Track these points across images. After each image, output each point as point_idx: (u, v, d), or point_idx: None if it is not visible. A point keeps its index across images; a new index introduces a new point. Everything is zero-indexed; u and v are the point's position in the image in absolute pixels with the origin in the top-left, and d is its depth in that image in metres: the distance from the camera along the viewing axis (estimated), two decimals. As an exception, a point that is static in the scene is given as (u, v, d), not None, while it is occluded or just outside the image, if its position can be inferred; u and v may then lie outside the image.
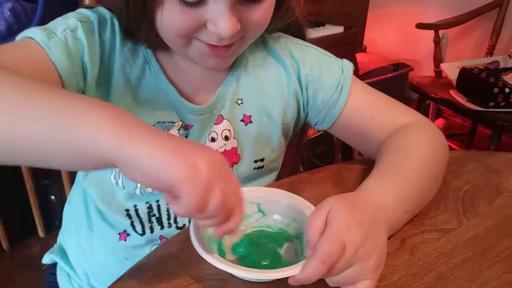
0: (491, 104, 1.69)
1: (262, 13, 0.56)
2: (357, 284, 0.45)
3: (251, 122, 0.68)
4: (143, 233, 0.66)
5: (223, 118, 0.66)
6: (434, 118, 2.41)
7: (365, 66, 2.32)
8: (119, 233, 0.66)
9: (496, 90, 1.68)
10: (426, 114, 2.35)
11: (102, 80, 0.60)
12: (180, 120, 0.64)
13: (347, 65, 0.70)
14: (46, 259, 0.80)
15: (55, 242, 0.84)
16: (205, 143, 0.66)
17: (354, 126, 0.69)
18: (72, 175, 1.15)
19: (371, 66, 2.35)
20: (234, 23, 0.52)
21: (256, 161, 0.69)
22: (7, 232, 1.11)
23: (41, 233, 1.17)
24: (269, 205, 0.56)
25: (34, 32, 0.55)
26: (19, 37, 0.56)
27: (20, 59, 0.51)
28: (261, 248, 0.53)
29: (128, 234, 0.66)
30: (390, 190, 0.54)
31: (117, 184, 0.63)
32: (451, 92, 1.88)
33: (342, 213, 0.45)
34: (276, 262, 0.51)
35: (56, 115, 0.39)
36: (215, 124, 0.66)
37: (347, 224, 0.45)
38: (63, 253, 0.77)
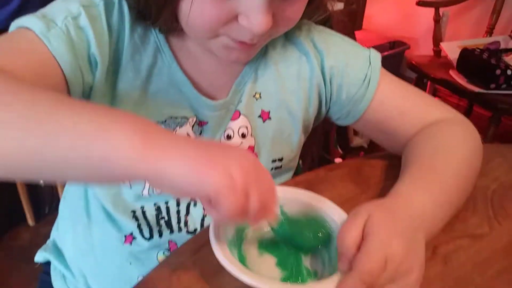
0: (493, 86, 1.65)
1: (297, 9, 0.51)
2: None
3: (269, 118, 0.62)
4: (151, 237, 0.61)
5: (240, 114, 0.60)
6: (430, 97, 2.38)
7: (361, 43, 2.26)
8: (125, 236, 0.61)
9: (498, 71, 1.64)
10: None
11: (110, 70, 0.53)
12: (194, 116, 0.58)
13: (375, 56, 0.64)
14: (39, 257, 0.74)
15: (45, 230, 0.78)
16: (220, 141, 0.60)
17: (380, 122, 0.64)
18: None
19: (367, 44, 2.28)
20: (269, 18, 0.47)
21: (274, 161, 0.64)
22: (-6, 221, 1.05)
23: (30, 222, 1.10)
24: (292, 207, 0.51)
25: (31, 22, 0.48)
26: (13, 26, 0.49)
27: (17, 54, 0.45)
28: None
29: (134, 238, 0.61)
30: (427, 196, 0.49)
31: (123, 182, 0.58)
32: (451, 72, 1.83)
33: (382, 224, 0.41)
34: (299, 272, 0.47)
35: (73, 132, 0.35)
36: (231, 120, 0.60)
37: (388, 236, 0.40)
38: (57, 251, 0.72)
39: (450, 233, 0.54)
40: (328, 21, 0.67)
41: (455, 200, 0.53)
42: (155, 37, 0.56)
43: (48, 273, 0.74)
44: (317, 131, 0.79)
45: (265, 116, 0.62)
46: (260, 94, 0.61)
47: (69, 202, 0.69)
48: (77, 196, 0.65)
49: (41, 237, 1.16)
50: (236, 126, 0.60)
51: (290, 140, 0.65)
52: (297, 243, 0.48)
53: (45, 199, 1.18)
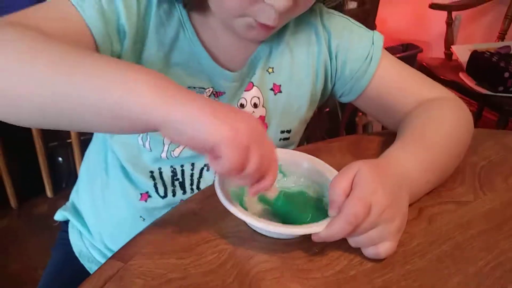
0: (501, 88, 1.69)
1: None
2: (379, 245, 0.46)
3: (280, 92, 0.67)
4: (165, 195, 0.66)
5: (253, 85, 0.66)
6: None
7: (374, 45, 2.30)
8: (141, 193, 0.67)
9: (506, 74, 1.67)
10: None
11: (136, 41, 0.58)
12: (211, 87, 0.63)
13: (378, 37, 0.69)
14: (58, 216, 0.81)
15: (63, 203, 0.84)
16: None
17: (380, 99, 0.69)
18: (82, 137, 1.15)
19: (380, 45, 2.33)
20: None
21: (282, 132, 0.69)
22: (16, 191, 1.11)
23: (49, 193, 1.17)
24: (290, 167, 0.56)
25: None
26: None
27: (53, 20, 0.50)
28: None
29: (149, 196, 0.67)
30: (415, 159, 0.54)
31: (144, 146, 0.63)
32: (461, 75, 1.87)
33: (370, 176, 0.46)
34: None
35: (95, 77, 0.39)
36: (245, 90, 0.66)
37: (374, 187, 0.45)
38: (75, 211, 0.78)
39: (436, 198, 0.58)
40: (337, 8, 0.73)
41: (441, 167, 0.58)
42: (179, 13, 0.61)
43: (65, 231, 0.80)
44: (321, 117, 0.84)
45: (276, 89, 0.67)
46: (273, 69, 0.67)
47: (89, 164, 0.75)
48: (97, 158, 0.71)
49: (58, 208, 1.22)
50: (249, 96, 0.66)
51: (299, 113, 0.70)
52: (291, 220, 0.51)
53: (64, 174, 1.25)
